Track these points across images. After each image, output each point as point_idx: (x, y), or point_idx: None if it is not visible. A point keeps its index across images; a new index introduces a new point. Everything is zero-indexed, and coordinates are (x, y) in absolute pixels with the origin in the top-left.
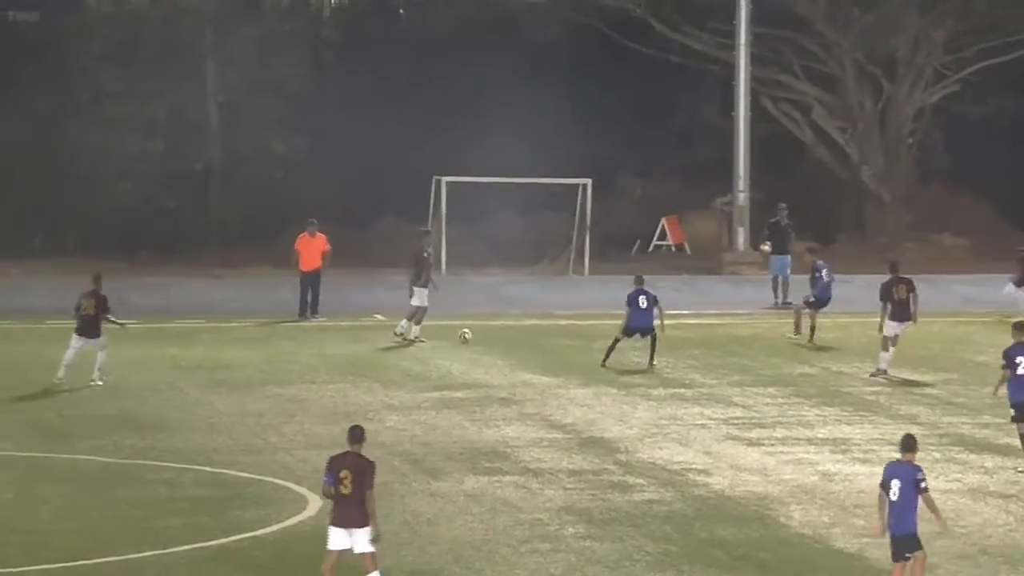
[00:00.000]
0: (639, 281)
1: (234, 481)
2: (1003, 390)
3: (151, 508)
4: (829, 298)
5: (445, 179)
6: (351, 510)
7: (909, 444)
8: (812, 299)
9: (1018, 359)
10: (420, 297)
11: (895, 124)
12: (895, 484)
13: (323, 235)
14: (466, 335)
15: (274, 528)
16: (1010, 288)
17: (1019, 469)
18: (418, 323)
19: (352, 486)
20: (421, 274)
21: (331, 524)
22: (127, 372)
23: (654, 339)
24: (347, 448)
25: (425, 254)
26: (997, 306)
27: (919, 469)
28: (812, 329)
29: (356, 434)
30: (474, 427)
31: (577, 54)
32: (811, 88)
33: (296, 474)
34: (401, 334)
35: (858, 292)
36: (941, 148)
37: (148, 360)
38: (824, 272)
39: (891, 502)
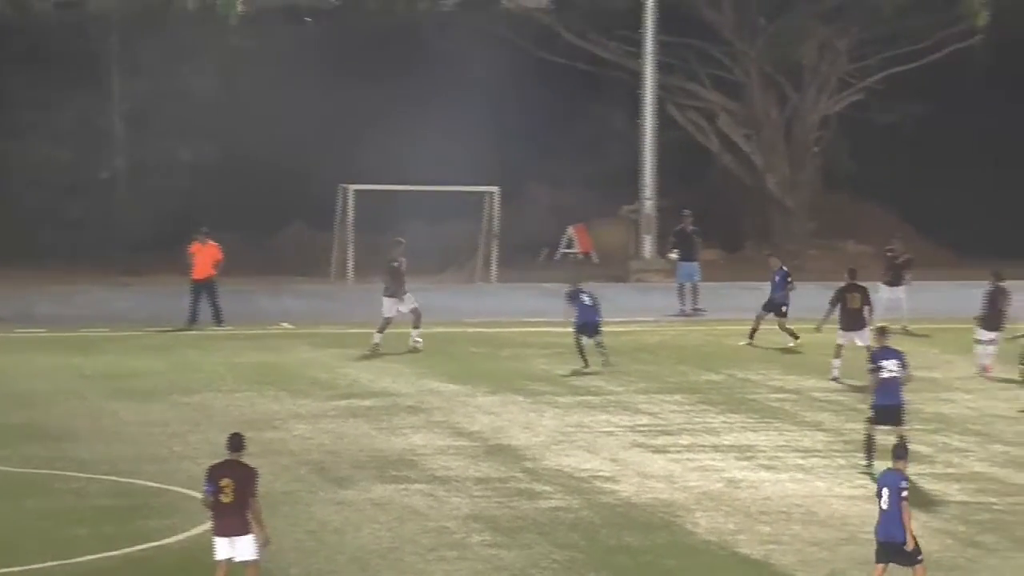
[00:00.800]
0: (577, 282)
1: (140, 490)
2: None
3: (57, 518)
4: (782, 301)
5: (352, 187)
6: (232, 519)
7: (899, 452)
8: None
9: (883, 363)
10: (387, 307)
11: (800, 132)
12: (885, 492)
13: (215, 244)
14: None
15: (180, 537)
16: (884, 291)
17: (864, 471)
18: (380, 331)
19: (234, 495)
20: (389, 285)
21: (214, 534)
22: (32, 381)
23: (600, 337)
24: (227, 456)
25: (395, 264)
26: (881, 314)
27: (904, 478)
28: (753, 331)
29: (236, 442)
30: (381, 435)
31: (486, 63)
32: (717, 96)
33: (202, 483)
34: (377, 344)
35: (762, 300)
36: (846, 156)
37: (53, 369)
38: (778, 276)
39: (882, 510)
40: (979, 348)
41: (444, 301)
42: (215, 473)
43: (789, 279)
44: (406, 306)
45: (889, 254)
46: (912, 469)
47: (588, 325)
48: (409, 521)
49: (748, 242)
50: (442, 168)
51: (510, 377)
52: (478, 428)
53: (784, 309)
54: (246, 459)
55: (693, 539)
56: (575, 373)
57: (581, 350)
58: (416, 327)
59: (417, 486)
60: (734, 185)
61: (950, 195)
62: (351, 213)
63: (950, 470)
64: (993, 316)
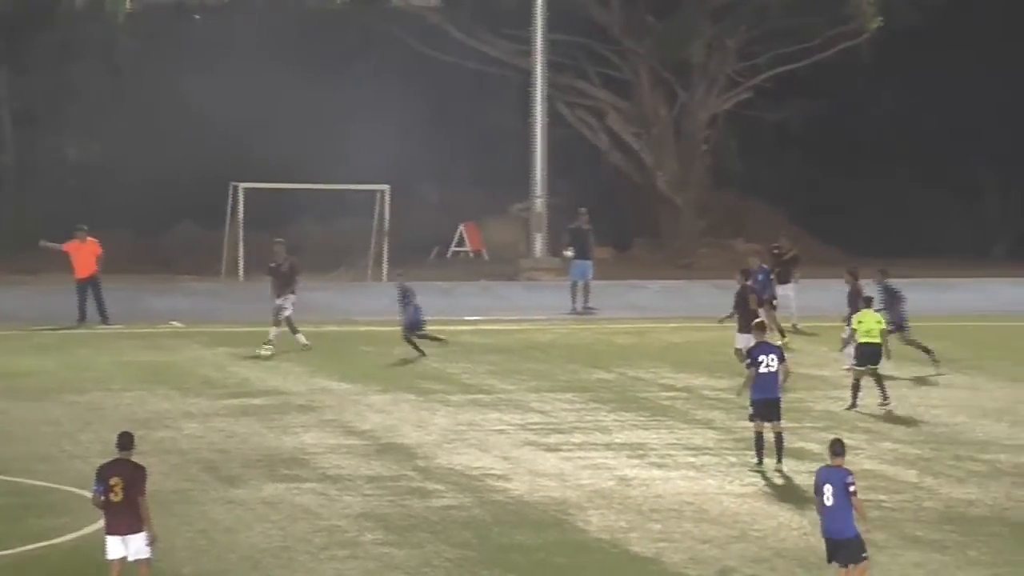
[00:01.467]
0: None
1: (31, 489)
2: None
3: None
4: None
5: (242, 185)
6: (123, 517)
7: (837, 449)
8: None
9: (760, 358)
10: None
11: (689, 130)
12: (827, 489)
13: (94, 240)
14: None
15: (72, 536)
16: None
17: (754, 468)
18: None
19: (123, 493)
20: (273, 287)
21: (106, 533)
22: None
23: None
24: (116, 455)
25: (272, 264)
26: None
27: (849, 473)
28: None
29: (125, 441)
30: (272, 434)
31: (376, 61)
32: (606, 94)
33: (92, 483)
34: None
35: (652, 297)
36: (735, 154)
37: None
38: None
39: (825, 507)
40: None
41: (335, 300)
42: (104, 472)
43: (772, 276)
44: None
45: (776, 251)
46: (803, 466)
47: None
48: (300, 520)
49: (638, 240)
50: (334, 166)
51: (401, 376)
52: (369, 427)
53: (775, 303)
54: (136, 457)
55: (585, 537)
56: (464, 371)
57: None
58: (274, 327)
59: (308, 485)
60: (624, 183)
61: (838, 193)
62: (241, 211)
63: None
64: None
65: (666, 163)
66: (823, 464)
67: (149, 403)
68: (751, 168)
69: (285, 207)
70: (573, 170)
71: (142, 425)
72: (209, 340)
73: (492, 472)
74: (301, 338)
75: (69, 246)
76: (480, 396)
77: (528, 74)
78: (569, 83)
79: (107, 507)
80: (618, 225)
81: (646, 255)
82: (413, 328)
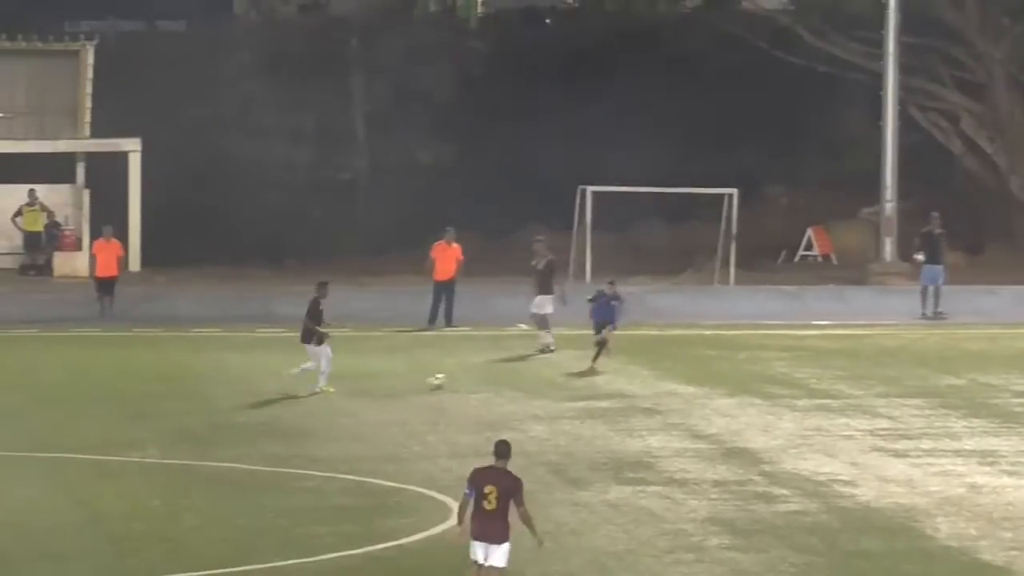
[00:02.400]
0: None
1: (378, 489)
2: None
3: (296, 516)
4: None
5: (590, 188)
6: (494, 526)
7: (502, 451)
8: None
9: None
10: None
11: None
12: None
13: (458, 245)
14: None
15: (420, 536)
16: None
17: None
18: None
19: (496, 502)
20: (535, 285)
21: (472, 537)
22: (271, 381)
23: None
24: (492, 463)
25: (534, 263)
26: None
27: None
28: None
29: (503, 449)
30: (618, 437)
31: (724, 64)
32: (960, 97)
33: (439, 483)
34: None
35: (1005, 303)
36: None
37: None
38: None
39: (485, 510)
40: None
41: (682, 303)
42: (479, 478)
43: None
44: (546, 307)
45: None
46: None
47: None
48: (645, 523)
49: (991, 245)
50: (679, 169)
51: (747, 380)
52: (715, 431)
53: None
54: (481, 460)
55: (933, 544)
56: (812, 376)
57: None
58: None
59: (654, 488)
60: (977, 188)
61: None
62: (589, 214)
63: None
64: None
65: (1021, 167)
66: None
67: (495, 405)
68: None
69: (632, 210)
70: (924, 174)
71: (488, 427)
72: (560, 343)
73: (839, 478)
74: (546, 337)
75: (434, 249)
76: (828, 401)
77: (879, 77)
78: (921, 86)
79: (477, 513)
80: (971, 230)
81: (999, 260)
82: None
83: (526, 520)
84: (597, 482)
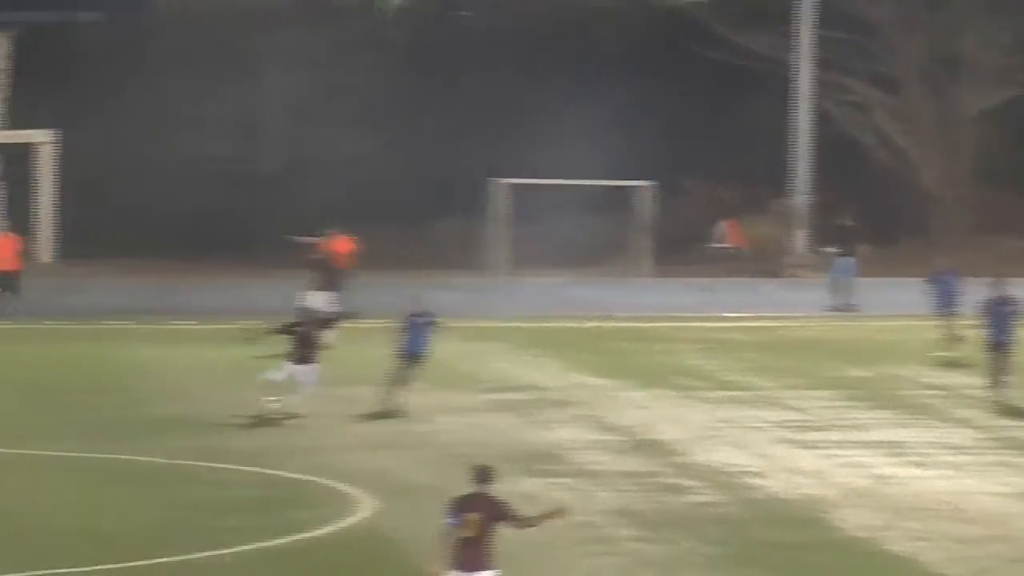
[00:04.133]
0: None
1: (287, 482)
2: None
3: (207, 508)
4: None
5: (504, 181)
6: (471, 552)
7: (485, 476)
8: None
9: None
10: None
11: (958, 126)
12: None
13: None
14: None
15: (328, 529)
16: None
17: None
18: None
19: (479, 530)
20: None
21: (451, 567)
22: (186, 373)
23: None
24: (473, 489)
25: None
26: None
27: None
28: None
29: (485, 474)
30: (529, 429)
31: (642, 57)
32: (873, 91)
33: (349, 475)
34: None
35: (916, 295)
36: (1006, 150)
37: (208, 360)
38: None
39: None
40: None
41: (597, 295)
42: (460, 506)
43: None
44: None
45: None
46: None
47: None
48: None
49: (903, 238)
50: (593, 162)
51: (659, 372)
52: (626, 423)
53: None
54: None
55: (841, 535)
56: (723, 368)
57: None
58: None
59: (564, 480)
60: (889, 180)
61: None
62: (503, 207)
63: None
64: None
65: (934, 160)
66: None
67: (407, 397)
68: (1021, 164)
69: (547, 203)
70: (837, 167)
71: (398, 419)
72: (468, 335)
73: (748, 470)
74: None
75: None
76: (738, 393)
77: (792, 70)
78: (835, 79)
79: (457, 541)
80: (882, 222)
81: (912, 252)
82: (411, 358)
83: (531, 524)
84: (509, 474)
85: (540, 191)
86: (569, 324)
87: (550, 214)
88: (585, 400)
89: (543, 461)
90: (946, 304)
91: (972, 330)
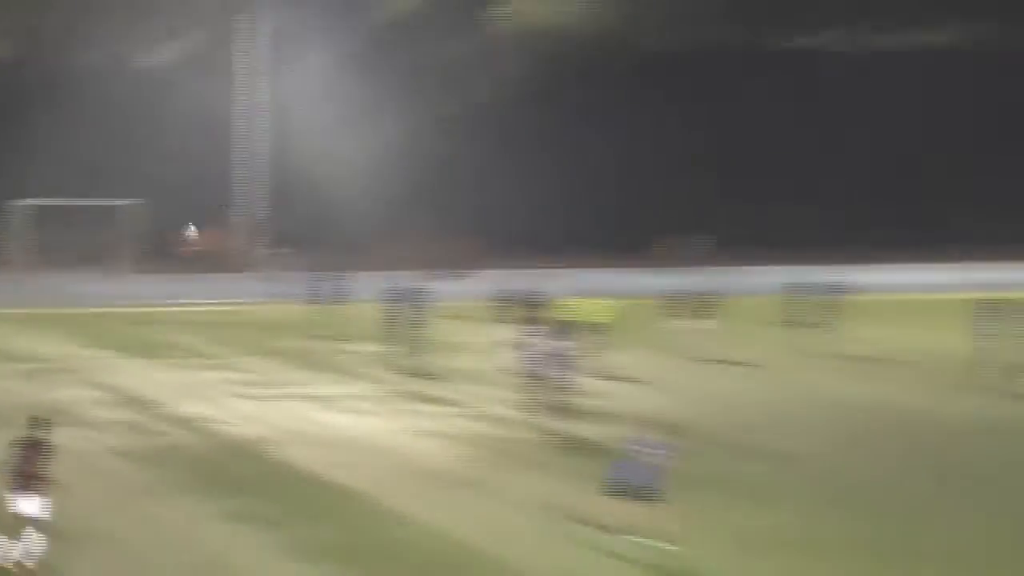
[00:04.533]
0: None
1: None
2: None
3: None
4: None
5: (22, 202)
6: (22, 478)
7: None
8: None
9: None
10: None
11: None
12: None
13: None
14: None
15: None
16: None
17: None
18: None
19: (26, 464)
20: None
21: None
22: None
23: None
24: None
25: None
26: None
27: None
28: None
29: (36, 424)
30: (43, 391)
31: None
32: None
33: None
34: None
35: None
36: None
37: None
38: None
39: None
40: None
41: (102, 289)
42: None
43: None
44: None
45: None
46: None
47: None
48: (64, 455)
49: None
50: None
51: (146, 346)
52: (119, 384)
53: None
54: None
55: (289, 468)
56: (195, 342)
57: None
58: None
59: (73, 428)
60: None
61: None
62: (25, 222)
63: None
64: None
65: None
66: None
67: None
68: None
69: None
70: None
71: None
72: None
73: (213, 418)
74: None
75: None
76: (205, 360)
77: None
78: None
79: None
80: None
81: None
82: None
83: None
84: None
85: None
86: (78, 311)
87: (72, 226)
88: (87, 368)
89: (55, 416)
90: (320, 295)
91: (375, 312)
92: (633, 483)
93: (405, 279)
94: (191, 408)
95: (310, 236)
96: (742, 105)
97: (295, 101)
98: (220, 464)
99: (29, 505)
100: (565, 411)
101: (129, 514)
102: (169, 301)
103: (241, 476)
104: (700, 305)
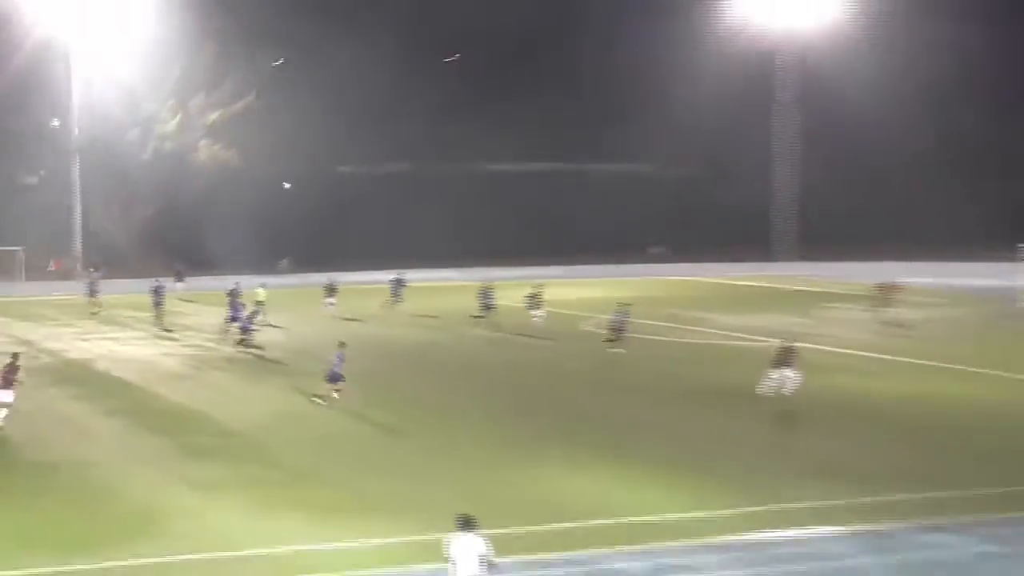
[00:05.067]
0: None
1: None
2: None
3: None
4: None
5: None
6: None
7: (471, 523)
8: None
9: None
10: None
11: None
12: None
13: None
14: None
15: None
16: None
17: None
18: None
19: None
20: None
21: None
22: None
23: None
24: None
25: None
26: None
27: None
28: None
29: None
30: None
31: None
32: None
33: None
34: None
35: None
36: None
37: None
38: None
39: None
40: None
41: None
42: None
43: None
44: None
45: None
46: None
47: None
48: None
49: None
50: None
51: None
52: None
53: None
54: None
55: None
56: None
57: None
58: None
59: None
60: None
61: None
62: None
63: None
64: None
65: None
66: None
67: None
68: None
69: None
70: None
71: None
72: None
73: (62, 349)
74: None
75: None
76: (56, 322)
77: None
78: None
79: None
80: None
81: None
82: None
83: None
84: None
85: None
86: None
87: None
88: (3, 327)
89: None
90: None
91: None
92: (334, 371)
93: (154, 281)
94: (52, 344)
95: (108, 260)
96: None
97: None
98: (67, 371)
99: (5, 395)
100: (242, 344)
101: (29, 396)
102: (43, 295)
103: (77, 376)
104: (329, 291)
